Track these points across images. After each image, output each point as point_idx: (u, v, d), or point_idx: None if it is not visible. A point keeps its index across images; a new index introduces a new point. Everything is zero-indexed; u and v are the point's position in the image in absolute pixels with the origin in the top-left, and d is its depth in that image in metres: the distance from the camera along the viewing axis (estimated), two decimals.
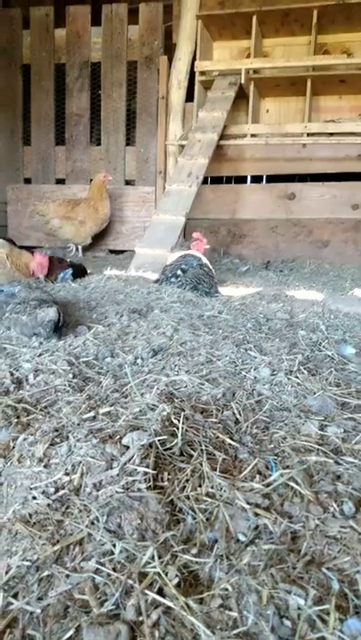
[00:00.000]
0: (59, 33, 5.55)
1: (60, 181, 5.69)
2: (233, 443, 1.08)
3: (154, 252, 3.51)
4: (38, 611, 0.72)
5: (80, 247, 5.11)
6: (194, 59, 5.02)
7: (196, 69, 4.93)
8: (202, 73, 4.92)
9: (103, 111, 5.46)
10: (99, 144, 5.58)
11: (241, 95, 4.86)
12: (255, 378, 1.43)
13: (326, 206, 4.98)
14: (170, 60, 5.20)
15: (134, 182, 5.45)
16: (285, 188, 5.07)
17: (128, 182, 5.49)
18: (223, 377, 1.43)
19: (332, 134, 4.65)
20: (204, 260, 2.99)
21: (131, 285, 2.83)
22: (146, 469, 0.92)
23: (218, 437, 1.10)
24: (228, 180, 5.42)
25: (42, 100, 5.63)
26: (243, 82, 4.75)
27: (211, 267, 3.02)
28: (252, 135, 4.76)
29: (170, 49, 5.29)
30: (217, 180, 5.34)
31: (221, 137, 4.61)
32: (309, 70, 4.66)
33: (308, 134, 4.67)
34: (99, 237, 5.31)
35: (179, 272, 2.83)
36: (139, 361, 1.55)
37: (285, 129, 4.70)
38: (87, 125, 5.57)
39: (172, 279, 2.81)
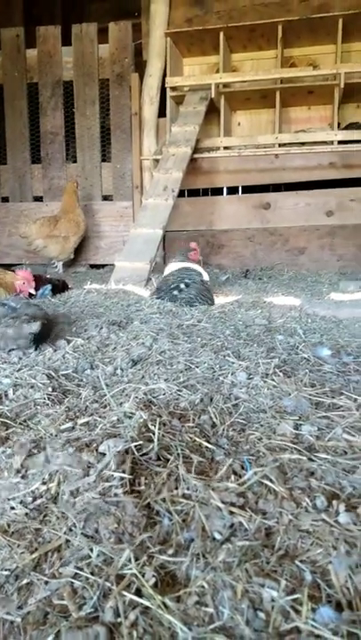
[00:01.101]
0: (30, 53, 5.60)
1: (38, 199, 5.70)
2: (209, 445, 1.09)
3: (133, 265, 3.54)
4: (19, 619, 0.73)
5: (61, 263, 5.11)
6: (165, 75, 5.10)
7: (167, 85, 5.00)
8: (173, 89, 5.01)
9: (78, 129, 5.51)
10: (75, 161, 5.62)
11: (213, 109, 4.94)
12: (232, 382, 1.44)
13: (301, 214, 5.08)
14: (141, 77, 5.28)
15: (112, 198, 5.48)
16: (260, 198, 5.14)
17: (106, 198, 5.54)
18: (201, 383, 1.44)
19: (303, 144, 4.75)
20: (205, 276, 3.04)
21: (111, 298, 2.84)
22: (122, 475, 0.93)
23: (194, 441, 1.12)
24: (205, 192, 5.49)
25: (16, 119, 5.66)
26: (213, 96, 4.83)
27: (207, 279, 3.07)
28: (225, 147, 4.84)
29: (141, 66, 5.36)
30: (193, 193, 5.37)
31: (195, 150, 4.68)
32: (278, 83, 4.76)
33: (280, 145, 4.77)
34: (79, 252, 5.33)
35: (182, 285, 2.83)
36: (118, 371, 1.56)
37: (257, 140, 4.79)
38: (62, 143, 5.61)
39: (175, 292, 2.80)
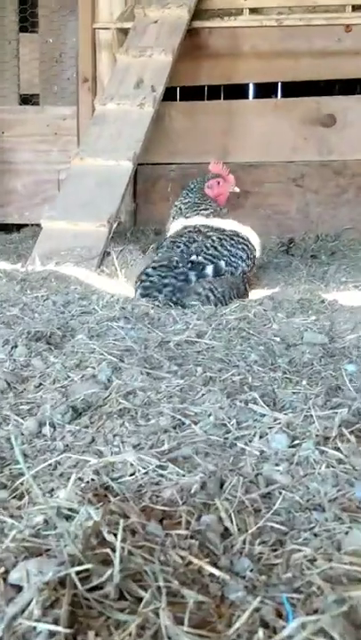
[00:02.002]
0: None
1: None
2: (217, 572, 0.74)
3: (76, 226, 2.32)
4: None
5: None
6: None
7: None
8: None
9: None
10: None
11: None
12: (261, 453, 1.04)
13: None
14: None
15: (37, 100, 3.54)
16: (318, 105, 3.31)
17: (26, 100, 3.53)
18: (203, 453, 1.03)
19: None
20: (258, 248, 2.03)
21: (33, 291, 1.94)
22: (53, 627, 0.63)
23: (189, 563, 0.76)
24: (214, 92, 3.70)
25: None
26: None
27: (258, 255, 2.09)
28: (253, 10, 3.10)
29: None
30: (193, 94, 3.59)
31: (196, 14, 3.00)
32: None
33: (355, 7, 3.03)
34: None
35: (209, 269, 1.83)
36: (47, 430, 1.10)
37: None
38: None
39: (190, 273, 1.80)
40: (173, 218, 2.26)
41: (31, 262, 2.25)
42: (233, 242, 1.98)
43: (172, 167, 3.37)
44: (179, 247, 1.94)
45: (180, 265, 1.87)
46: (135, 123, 2.59)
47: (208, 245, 1.93)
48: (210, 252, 1.92)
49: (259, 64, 3.32)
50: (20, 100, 3.53)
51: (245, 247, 2.01)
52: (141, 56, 2.79)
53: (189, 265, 1.87)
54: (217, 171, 2.28)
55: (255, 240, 2.10)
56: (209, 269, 1.87)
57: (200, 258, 1.89)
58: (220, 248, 1.95)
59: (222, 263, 1.90)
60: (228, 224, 2.10)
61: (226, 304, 1.84)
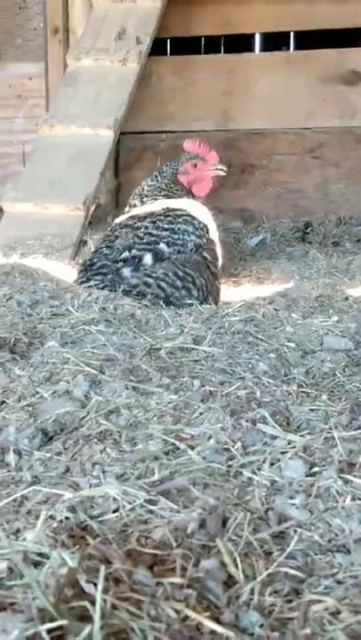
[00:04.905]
0: None
1: None
2: (219, 628, 0.64)
3: (46, 209, 2.06)
4: None
5: None
6: None
7: None
8: None
9: None
10: None
11: None
12: (273, 483, 0.91)
13: None
14: None
15: None
16: (339, 59, 2.85)
17: None
18: (201, 484, 0.90)
19: None
20: (212, 233, 1.74)
21: None
22: None
23: (186, 618, 0.66)
24: (212, 44, 3.15)
25: None
26: None
27: (218, 242, 1.78)
28: None
29: None
30: (186, 47, 3.07)
31: None
32: None
33: None
34: None
35: (147, 256, 1.60)
36: (10, 458, 0.97)
37: None
38: None
39: (125, 270, 1.57)
40: (129, 206, 1.92)
41: None
42: (170, 218, 1.69)
43: (162, 136, 2.87)
44: (126, 228, 1.69)
45: (121, 252, 1.61)
46: (116, 83, 2.21)
47: (140, 235, 1.65)
48: (144, 240, 1.64)
49: (268, 9, 2.82)
50: None
51: (188, 218, 1.72)
52: (123, 0, 2.36)
53: (128, 252, 1.60)
54: (193, 149, 1.89)
55: (207, 219, 1.77)
56: (147, 258, 1.60)
57: (133, 252, 1.62)
58: (155, 231, 1.66)
59: (162, 246, 1.62)
60: (184, 204, 1.78)
61: (182, 290, 1.57)
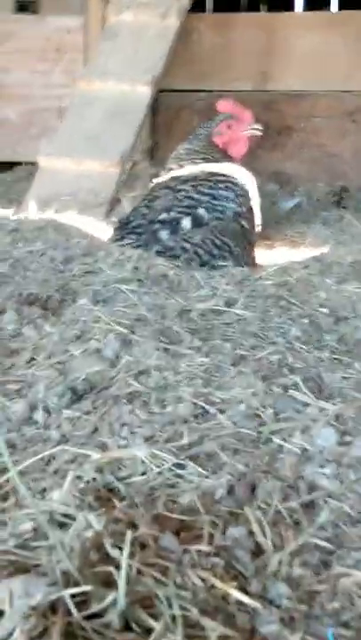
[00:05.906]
0: None
1: None
2: (246, 599, 0.63)
3: (81, 165, 2.05)
4: None
5: None
6: None
7: None
8: None
9: None
10: None
11: None
12: (303, 451, 0.91)
13: None
14: None
15: (36, 7, 3.01)
16: None
17: (22, 7, 3.01)
18: (231, 450, 0.90)
19: None
20: (255, 199, 1.73)
21: (27, 243, 1.75)
22: None
23: (212, 587, 0.65)
24: (253, 2, 3.17)
25: None
26: None
27: (258, 210, 1.77)
28: None
29: None
30: (227, 4, 3.10)
31: None
32: None
33: None
34: None
35: (184, 221, 1.58)
36: (39, 415, 0.97)
37: None
38: None
39: (162, 233, 1.57)
40: (167, 170, 1.89)
41: (25, 208, 1.99)
42: (211, 183, 1.68)
43: (200, 95, 2.79)
44: (164, 192, 1.68)
45: (159, 215, 1.61)
46: (156, 38, 2.19)
47: (180, 197, 1.65)
48: (184, 203, 1.63)
49: None
50: (15, 7, 2.91)
51: (230, 185, 1.71)
52: None
53: (158, 225, 1.59)
54: (227, 109, 1.84)
55: (250, 183, 1.74)
56: (185, 222, 1.59)
57: (172, 214, 1.61)
58: (195, 195, 1.65)
59: (201, 211, 1.61)
60: (226, 169, 1.75)
61: (218, 258, 1.56)
